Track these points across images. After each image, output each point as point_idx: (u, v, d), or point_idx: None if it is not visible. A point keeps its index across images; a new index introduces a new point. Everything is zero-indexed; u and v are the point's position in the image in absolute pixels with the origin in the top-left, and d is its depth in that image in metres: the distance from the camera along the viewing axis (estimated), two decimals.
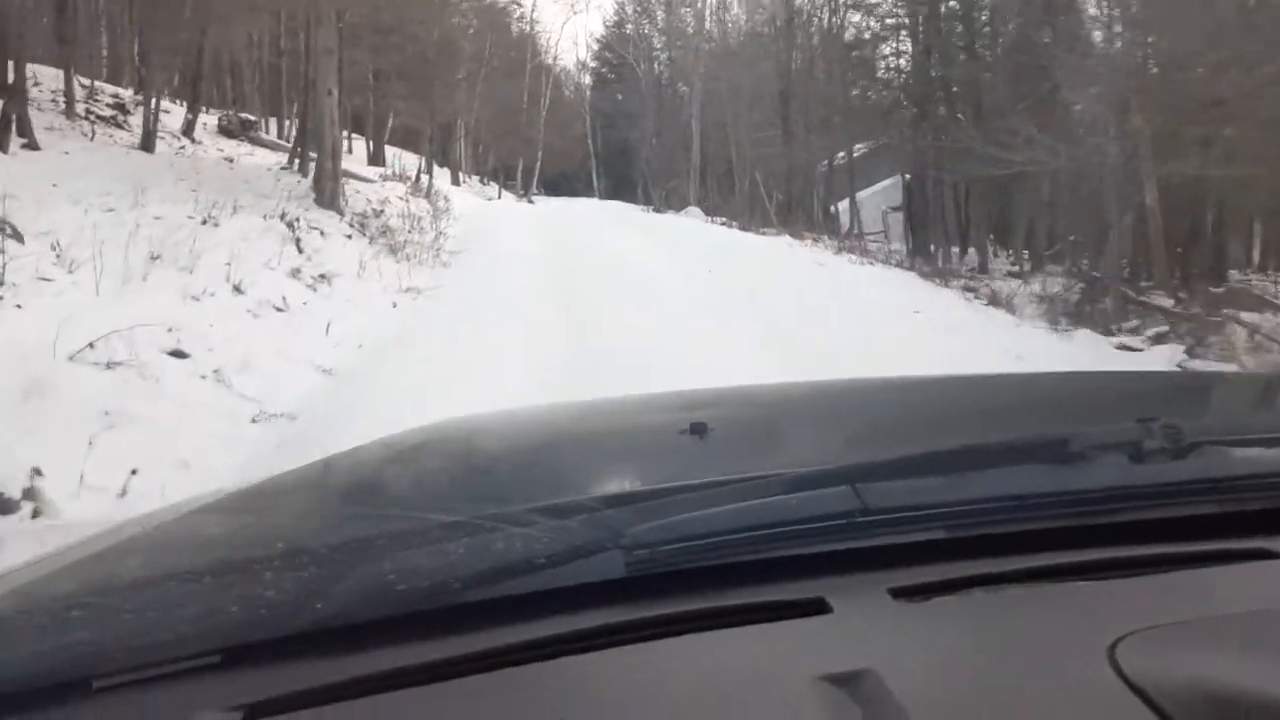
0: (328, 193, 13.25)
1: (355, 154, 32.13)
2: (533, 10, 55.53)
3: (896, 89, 26.43)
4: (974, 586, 0.71)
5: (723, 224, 27.20)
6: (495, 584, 0.68)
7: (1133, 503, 0.81)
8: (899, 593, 0.70)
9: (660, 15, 57.40)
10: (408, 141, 43.78)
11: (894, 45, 27.42)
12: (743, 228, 25.89)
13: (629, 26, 63.01)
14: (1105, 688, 0.54)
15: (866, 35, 27.79)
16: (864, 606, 0.69)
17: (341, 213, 13.04)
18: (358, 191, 16.33)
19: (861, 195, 31.93)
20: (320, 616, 0.65)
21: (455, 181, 42.19)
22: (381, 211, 15.23)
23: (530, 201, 52.09)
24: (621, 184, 66.61)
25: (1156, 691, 0.52)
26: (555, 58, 58.51)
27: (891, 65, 27.80)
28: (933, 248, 23.53)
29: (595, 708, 0.58)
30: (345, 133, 39.74)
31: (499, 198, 44.37)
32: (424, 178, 26.68)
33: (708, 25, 45.25)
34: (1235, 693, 0.51)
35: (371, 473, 1.23)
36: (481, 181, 50.58)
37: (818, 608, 0.68)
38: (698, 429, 1.07)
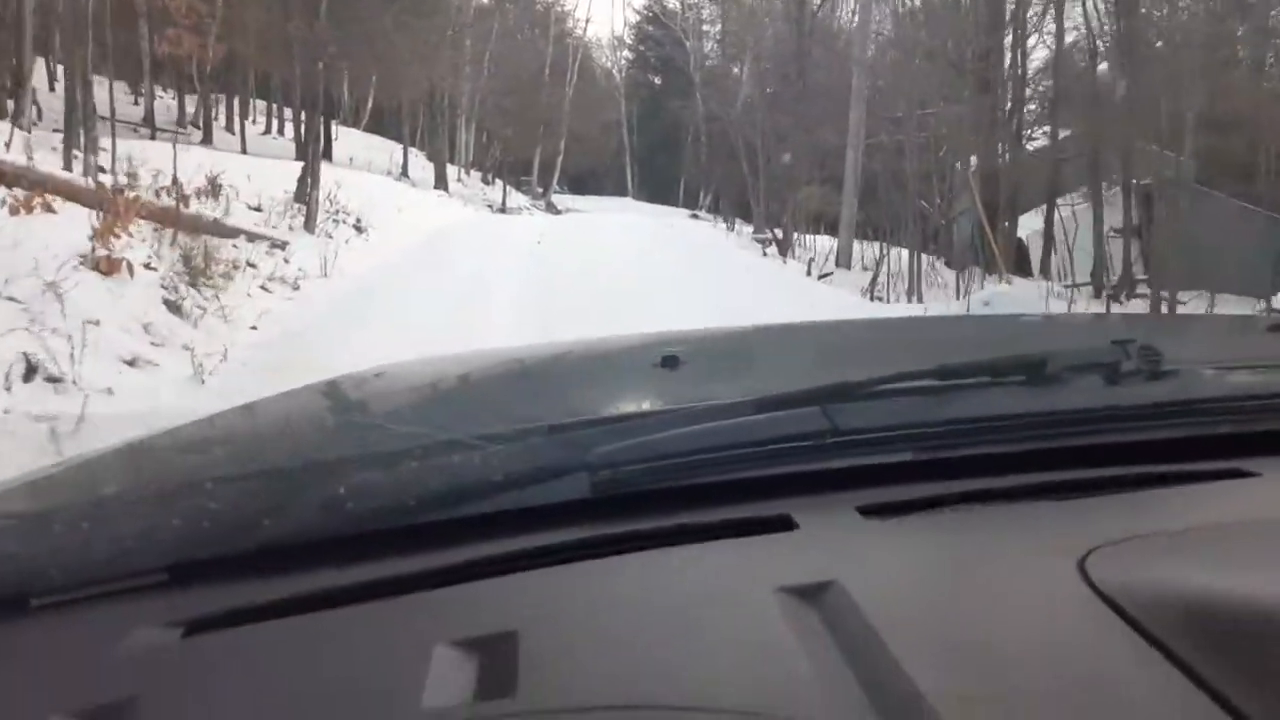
0: None
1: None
2: None
3: None
4: (943, 505, 0.67)
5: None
6: (453, 504, 0.63)
7: (1106, 425, 0.76)
8: (867, 510, 0.66)
9: None
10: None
11: None
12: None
13: None
14: (1075, 598, 0.52)
15: None
16: (831, 523, 0.64)
17: None
18: None
19: (1022, 217, 17.56)
20: (268, 534, 0.60)
21: (441, 182, 27.44)
22: None
23: (553, 209, 37.42)
24: (661, 183, 53.71)
25: (1127, 600, 0.50)
26: (586, 21, 43.47)
27: None
28: None
29: (554, 620, 0.54)
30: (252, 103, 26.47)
31: (503, 207, 29.55)
32: (314, 185, 11.94)
33: None
34: (1205, 599, 0.49)
35: (328, 403, 1.15)
36: (486, 180, 35.89)
37: (784, 524, 0.64)
38: (669, 361, 1.00)
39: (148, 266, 6.07)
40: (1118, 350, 0.80)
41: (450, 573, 0.58)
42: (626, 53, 53.37)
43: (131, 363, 4.70)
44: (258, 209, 11.42)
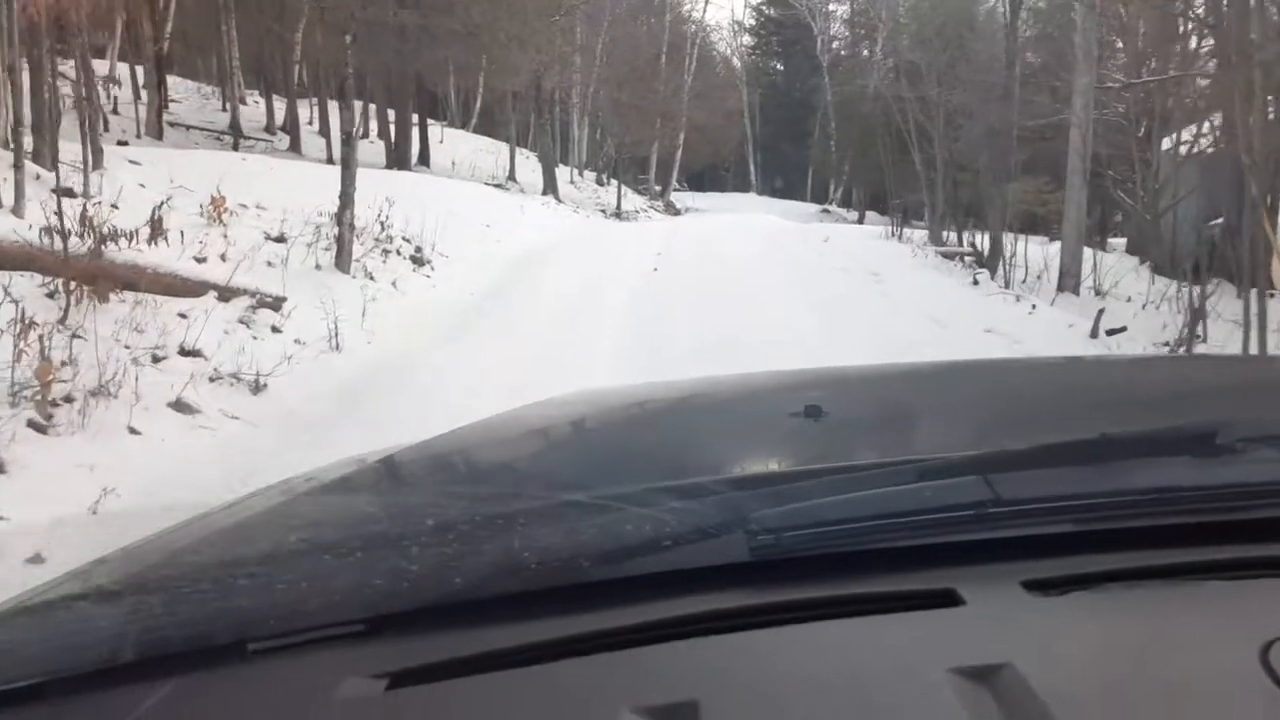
0: None
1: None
2: None
3: None
4: (1111, 581, 0.63)
5: None
6: (622, 563, 0.65)
7: None
8: (1032, 585, 0.62)
9: None
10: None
11: None
12: None
13: None
14: (1259, 691, 0.48)
15: None
16: (997, 599, 0.62)
17: None
18: None
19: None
20: (457, 590, 0.63)
21: (550, 187, 24.22)
22: None
23: (673, 209, 33.80)
24: (786, 176, 49.74)
25: None
26: (705, 1, 39.48)
27: None
28: None
29: (732, 691, 0.53)
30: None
31: (618, 211, 26.07)
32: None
33: None
34: None
35: (501, 448, 1.17)
36: (600, 180, 32.59)
37: (949, 599, 0.61)
38: (812, 412, 0.98)
39: None
40: None
41: (626, 634, 0.59)
42: (746, 37, 49.37)
43: None
44: (279, 239, 8.25)
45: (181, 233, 7.16)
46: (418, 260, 9.20)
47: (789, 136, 48.31)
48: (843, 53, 45.41)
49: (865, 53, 44.23)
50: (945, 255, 11.84)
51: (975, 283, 10.30)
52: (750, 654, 0.57)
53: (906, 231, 15.00)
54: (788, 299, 8.64)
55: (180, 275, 5.99)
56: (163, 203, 6.76)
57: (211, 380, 4.77)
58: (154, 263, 6.04)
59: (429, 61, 21.24)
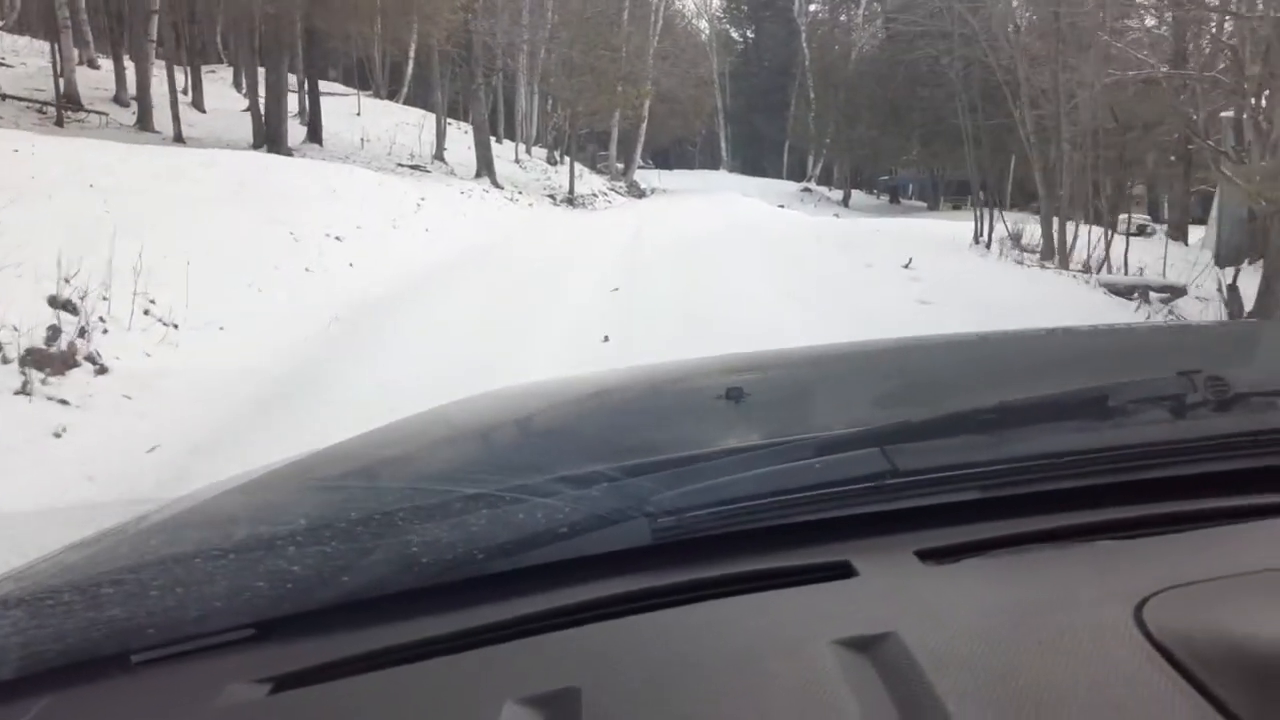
0: None
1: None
2: None
3: None
4: (1002, 547, 0.64)
5: None
6: (518, 554, 0.63)
7: (1171, 458, 0.72)
8: (926, 555, 0.63)
9: None
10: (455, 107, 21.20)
11: None
12: None
13: None
14: (1131, 648, 0.50)
15: None
16: (890, 569, 0.62)
17: None
18: None
19: None
20: (346, 589, 0.61)
21: (485, 167, 18.81)
22: None
23: (636, 190, 28.47)
24: (758, 151, 44.86)
25: (1183, 651, 0.49)
26: None
27: None
28: None
29: (615, 676, 0.53)
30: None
31: (569, 196, 20.69)
32: None
33: None
34: (1265, 651, 0.47)
35: (397, 449, 1.08)
36: (552, 159, 27.14)
37: (843, 571, 0.62)
38: (734, 394, 0.97)
39: None
40: (1184, 381, 0.76)
41: (518, 624, 0.58)
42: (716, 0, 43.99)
43: None
44: None
45: None
46: (51, 362, 3.89)
47: (762, 108, 43.18)
48: (821, 15, 40.39)
49: (844, 16, 39.27)
50: (1113, 290, 6.70)
51: None
52: (638, 637, 0.56)
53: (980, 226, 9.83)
54: None
55: None
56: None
57: None
58: None
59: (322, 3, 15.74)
